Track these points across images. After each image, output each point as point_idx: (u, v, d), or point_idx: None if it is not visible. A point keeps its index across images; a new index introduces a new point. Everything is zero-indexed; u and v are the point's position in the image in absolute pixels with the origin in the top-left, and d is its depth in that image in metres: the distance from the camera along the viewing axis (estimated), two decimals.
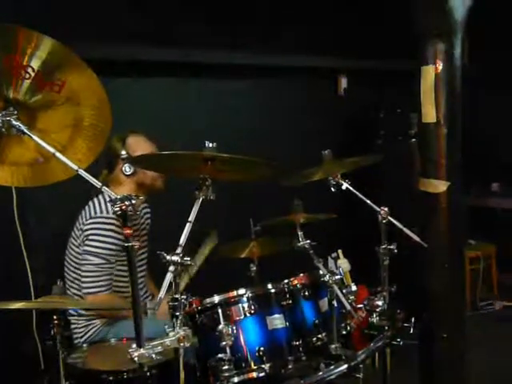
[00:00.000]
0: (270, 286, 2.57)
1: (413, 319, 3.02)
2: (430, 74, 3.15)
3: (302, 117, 4.87)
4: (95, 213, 2.84)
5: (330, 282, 2.63)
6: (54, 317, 2.14)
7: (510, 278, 5.24)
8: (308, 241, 2.83)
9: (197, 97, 4.44)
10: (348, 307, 2.67)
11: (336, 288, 2.63)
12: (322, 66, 4.85)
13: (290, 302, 2.57)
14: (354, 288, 2.81)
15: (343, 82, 5.10)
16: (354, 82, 5.13)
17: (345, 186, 2.88)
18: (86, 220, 2.84)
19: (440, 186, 3.16)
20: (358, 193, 2.87)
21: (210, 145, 2.18)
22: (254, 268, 3.31)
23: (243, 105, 4.62)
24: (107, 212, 2.79)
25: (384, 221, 2.76)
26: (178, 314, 1.94)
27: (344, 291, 2.73)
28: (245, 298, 2.48)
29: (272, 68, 4.62)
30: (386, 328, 2.75)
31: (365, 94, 4.99)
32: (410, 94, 3.39)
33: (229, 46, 4.35)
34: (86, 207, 2.90)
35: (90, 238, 2.80)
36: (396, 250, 2.84)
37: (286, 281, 2.61)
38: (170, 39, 4.12)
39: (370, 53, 4.85)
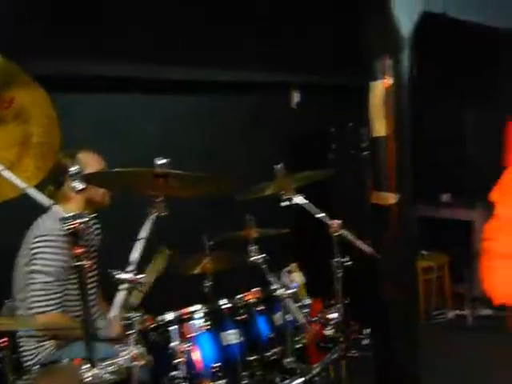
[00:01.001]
0: (223, 301, 2.57)
1: (367, 330, 3.05)
2: (378, 89, 3.22)
3: (255, 131, 4.89)
4: (42, 231, 2.78)
5: (284, 296, 2.64)
6: (3, 339, 2.08)
7: (462, 287, 5.35)
8: (261, 255, 2.84)
9: (149, 113, 4.41)
10: (302, 321, 2.69)
11: (290, 302, 2.64)
12: (274, 81, 4.88)
13: (244, 317, 2.57)
14: (308, 301, 2.83)
15: (296, 97, 5.15)
16: (306, 97, 5.18)
17: (297, 200, 2.90)
18: (33, 238, 2.78)
19: (390, 199, 3.21)
20: (310, 207, 2.89)
21: (162, 161, 2.16)
22: (208, 284, 3.30)
23: (195, 120, 4.62)
24: (54, 230, 2.75)
25: (336, 234, 2.79)
26: (130, 332, 1.92)
27: (298, 305, 2.74)
28: (199, 315, 2.47)
29: (224, 83, 4.63)
30: (341, 340, 2.77)
31: (317, 109, 5.04)
32: (361, 108, 3.45)
33: (180, 62, 4.35)
34: (33, 225, 2.85)
35: (38, 256, 2.74)
36: (350, 263, 2.87)
37: (239, 296, 2.62)
38: (121, 54, 4.10)
39: (323, 67, 4.92)
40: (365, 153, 4.39)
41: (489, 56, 5.13)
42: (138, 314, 1.95)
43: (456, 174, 5.74)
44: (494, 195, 1.25)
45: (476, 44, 4.65)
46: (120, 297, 1.90)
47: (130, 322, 1.93)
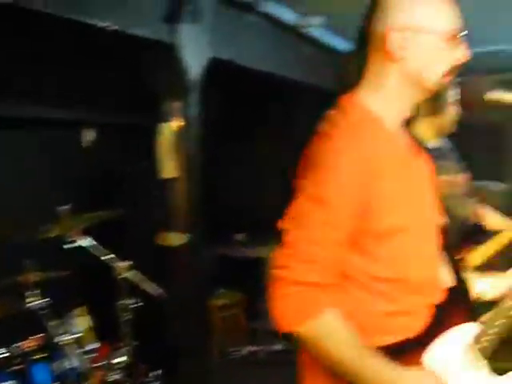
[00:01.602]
0: None
1: (155, 372, 3.02)
2: (167, 130, 3.27)
3: (43, 170, 4.68)
4: None
5: (66, 342, 2.54)
6: None
7: (258, 323, 5.51)
8: (43, 300, 2.70)
9: None
10: (85, 367, 2.59)
11: (72, 348, 2.54)
12: (66, 118, 4.74)
13: (22, 366, 2.42)
14: (94, 346, 2.74)
15: (88, 135, 5.04)
16: (99, 136, 5.09)
17: (82, 242, 2.82)
18: None
19: (178, 239, 3.25)
20: (96, 248, 2.82)
21: None
22: None
23: None
24: None
25: (122, 276, 2.75)
26: None
27: (83, 350, 2.65)
28: None
29: (14, 120, 4.40)
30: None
31: (109, 148, 4.97)
32: (153, 148, 3.47)
33: None
34: None
35: None
36: (138, 305, 2.83)
37: (17, 344, 2.46)
38: None
39: (117, 107, 4.87)
40: (156, 193, 4.41)
41: (275, 98, 5.41)
42: None
43: (251, 213, 5.96)
44: (284, 223, 1.33)
45: (261, 88, 4.89)
46: None
47: None
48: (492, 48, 4.90)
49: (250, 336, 5.54)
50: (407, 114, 1.57)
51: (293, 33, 4.37)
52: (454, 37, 1.47)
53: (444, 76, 1.48)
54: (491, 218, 3.24)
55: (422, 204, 1.56)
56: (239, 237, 6.14)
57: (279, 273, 1.43)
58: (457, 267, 1.70)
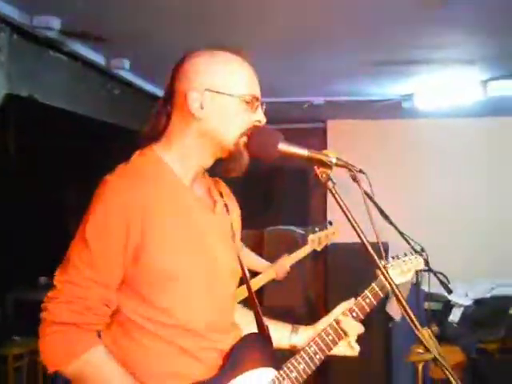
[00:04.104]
0: None
1: None
2: None
3: None
4: None
5: None
6: None
7: None
8: None
9: None
10: None
11: None
12: None
13: None
14: None
15: None
16: None
17: None
18: None
19: None
20: None
21: None
22: None
23: None
24: None
25: None
26: None
27: None
28: None
29: None
30: None
31: None
32: None
33: None
34: None
35: None
36: None
37: None
38: None
39: None
40: None
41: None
42: None
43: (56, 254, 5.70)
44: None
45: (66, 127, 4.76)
46: None
47: None
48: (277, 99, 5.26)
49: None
50: (202, 169, 1.63)
51: (100, 73, 4.33)
52: (251, 101, 1.56)
53: (240, 136, 1.56)
54: (252, 261, 3.61)
55: (204, 255, 1.59)
56: (43, 280, 5.85)
57: (42, 315, 1.45)
58: (258, 313, 1.77)
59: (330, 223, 3.70)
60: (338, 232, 3.65)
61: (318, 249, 3.71)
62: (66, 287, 1.45)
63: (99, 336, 1.50)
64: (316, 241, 3.68)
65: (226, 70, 1.56)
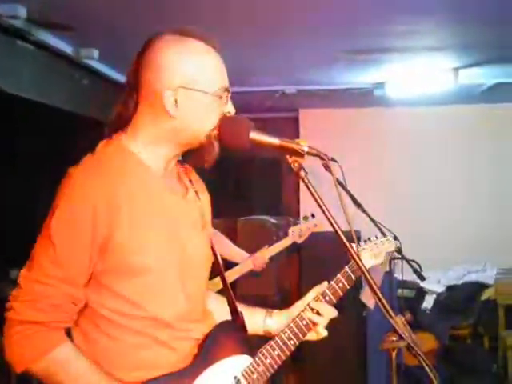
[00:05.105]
0: None
1: None
2: None
3: None
4: None
5: None
6: None
7: None
8: None
9: None
10: None
11: None
12: None
13: None
14: None
15: None
16: None
17: None
18: None
19: None
20: None
21: None
22: None
23: None
24: None
25: None
26: None
27: None
28: None
29: None
30: None
31: None
32: None
33: None
34: None
35: None
36: None
37: None
38: None
39: None
40: None
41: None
42: None
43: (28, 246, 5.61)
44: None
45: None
46: None
47: None
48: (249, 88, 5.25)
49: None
50: (171, 157, 1.61)
51: (69, 63, 4.27)
52: (223, 94, 1.55)
53: (213, 129, 1.54)
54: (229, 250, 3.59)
55: (176, 244, 1.57)
56: (14, 274, 5.77)
57: (7, 314, 1.43)
58: (232, 300, 1.76)
59: (313, 216, 3.68)
60: (321, 225, 3.63)
61: (299, 241, 3.70)
62: (31, 286, 1.42)
63: (68, 333, 1.48)
64: (297, 233, 3.67)
65: (199, 65, 1.52)
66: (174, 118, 1.51)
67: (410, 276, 3.27)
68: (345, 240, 1.44)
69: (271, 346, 1.71)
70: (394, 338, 2.51)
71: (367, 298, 3.66)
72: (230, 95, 1.58)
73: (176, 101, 1.50)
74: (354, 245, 1.49)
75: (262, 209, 6.12)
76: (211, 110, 1.54)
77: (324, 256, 4.55)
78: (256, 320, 1.82)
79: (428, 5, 3.46)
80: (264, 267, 3.67)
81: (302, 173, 1.48)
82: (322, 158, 1.48)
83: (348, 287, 1.80)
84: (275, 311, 1.85)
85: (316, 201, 1.46)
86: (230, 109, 1.58)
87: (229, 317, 1.75)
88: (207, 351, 1.59)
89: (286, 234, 3.73)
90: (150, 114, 1.53)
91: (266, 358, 1.69)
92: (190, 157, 1.64)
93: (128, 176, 1.50)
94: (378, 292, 1.43)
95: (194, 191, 1.69)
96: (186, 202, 1.64)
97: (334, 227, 1.44)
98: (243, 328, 1.74)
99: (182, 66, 1.51)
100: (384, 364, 4.31)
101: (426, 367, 1.43)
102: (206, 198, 1.76)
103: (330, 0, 3.41)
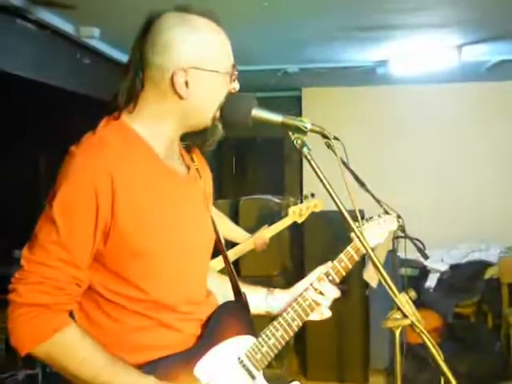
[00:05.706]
0: None
1: None
2: None
3: None
4: None
5: None
6: None
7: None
8: None
9: None
10: None
11: None
12: None
13: None
14: None
15: None
16: None
17: None
18: None
19: None
20: None
21: None
22: None
23: None
24: None
25: None
26: None
27: None
28: None
29: None
30: None
31: None
32: None
33: None
34: None
35: None
36: None
37: None
38: None
39: None
40: None
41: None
42: None
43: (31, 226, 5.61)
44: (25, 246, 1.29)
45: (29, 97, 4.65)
46: None
47: None
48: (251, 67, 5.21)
49: (26, 360, 5.22)
50: (175, 137, 1.58)
51: (69, 42, 4.23)
52: (232, 72, 1.53)
53: (218, 108, 1.52)
54: (231, 231, 3.59)
55: (179, 225, 1.55)
56: (17, 253, 5.78)
57: (10, 296, 1.40)
58: (235, 281, 1.76)
59: (312, 195, 3.68)
60: (322, 205, 3.62)
61: (299, 221, 3.70)
62: (34, 268, 1.39)
63: (72, 315, 1.47)
64: (297, 212, 3.67)
65: (206, 43, 1.49)
66: (184, 99, 1.49)
67: (414, 254, 3.26)
68: (348, 219, 1.43)
69: (274, 327, 1.70)
70: (398, 316, 2.51)
71: (370, 277, 3.66)
72: (235, 74, 1.56)
73: (187, 82, 1.47)
74: (357, 223, 1.47)
75: (264, 188, 6.11)
76: (221, 89, 1.52)
77: (327, 235, 4.56)
78: (259, 299, 1.81)
79: None
80: (264, 247, 3.67)
81: (305, 150, 1.46)
82: (324, 136, 1.46)
83: (351, 267, 1.79)
84: (277, 290, 1.84)
85: (319, 178, 1.44)
86: (236, 85, 1.55)
87: (231, 296, 1.75)
88: (211, 332, 1.59)
89: (287, 214, 3.72)
90: (156, 94, 1.50)
91: (269, 338, 1.69)
92: (193, 138, 1.62)
93: (130, 155, 1.47)
94: (380, 268, 1.42)
95: (195, 169, 1.67)
96: (188, 182, 1.62)
97: (337, 205, 1.43)
98: (246, 308, 1.73)
99: (189, 45, 1.47)
100: (387, 342, 4.33)
101: (430, 345, 1.43)
102: (207, 175, 1.75)
103: None
